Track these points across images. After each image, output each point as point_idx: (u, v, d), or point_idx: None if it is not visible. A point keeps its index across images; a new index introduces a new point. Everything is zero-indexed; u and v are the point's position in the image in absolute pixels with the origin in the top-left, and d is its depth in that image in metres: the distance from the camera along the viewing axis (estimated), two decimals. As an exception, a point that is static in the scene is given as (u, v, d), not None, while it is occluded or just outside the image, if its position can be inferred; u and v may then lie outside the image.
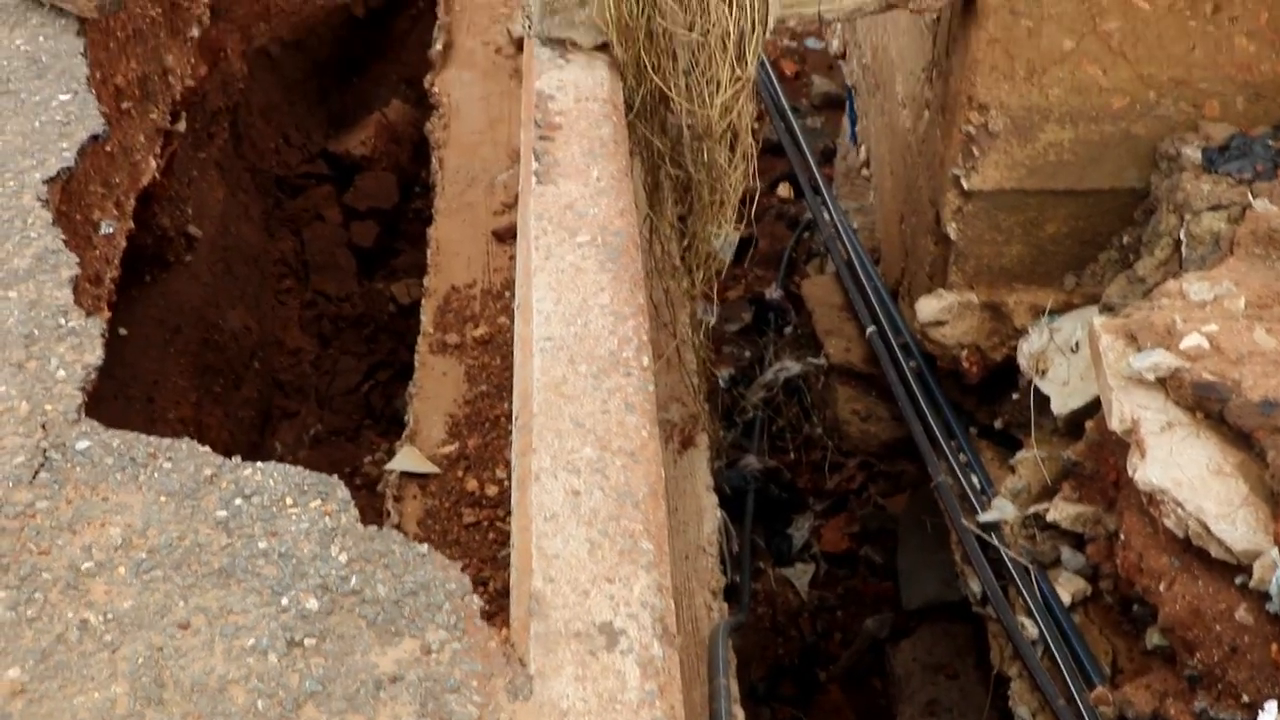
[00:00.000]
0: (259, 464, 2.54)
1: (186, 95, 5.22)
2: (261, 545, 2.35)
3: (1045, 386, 4.05)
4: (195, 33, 5.21)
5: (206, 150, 6.45)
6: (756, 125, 3.92)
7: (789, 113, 6.37)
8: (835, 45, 6.99)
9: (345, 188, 7.34)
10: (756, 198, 4.03)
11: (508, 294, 4.95)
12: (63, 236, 3.13)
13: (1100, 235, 4.16)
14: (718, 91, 3.63)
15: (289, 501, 2.44)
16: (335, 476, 2.53)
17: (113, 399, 4.93)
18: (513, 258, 4.64)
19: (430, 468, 4.30)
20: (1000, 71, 3.86)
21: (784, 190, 7.25)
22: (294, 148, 7.57)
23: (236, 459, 2.57)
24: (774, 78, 6.76)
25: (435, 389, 4.62)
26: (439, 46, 6.42)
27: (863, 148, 6.09)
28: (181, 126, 5.24)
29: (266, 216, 7.08)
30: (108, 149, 3.77)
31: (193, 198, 6.13)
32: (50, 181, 3.27)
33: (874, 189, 5.84)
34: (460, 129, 5.93)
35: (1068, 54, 3.82)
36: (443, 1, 6.85)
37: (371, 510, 4.33)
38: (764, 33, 3.61)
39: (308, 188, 7.34)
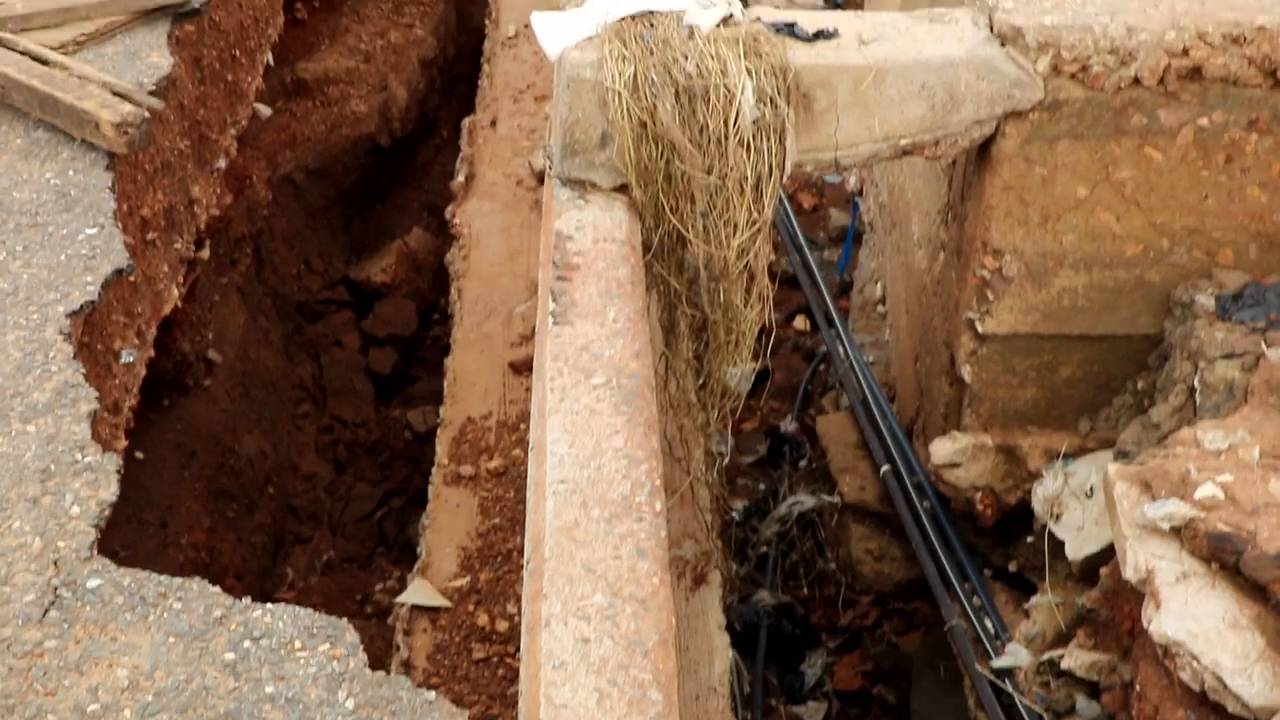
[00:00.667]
0: (268, 605, 2.54)
1: (211, 223, 5.30)
2: (269, 690, 2.34)
3: (1060, 531, 4.03)
4: (222, 164, 5.31)
5: (229, 275, 6.53)
6: (773, 257, 3.95)
7: (805, 247, 6.42)
8: (853, 182, 7.07)
9: (365, 314, 7.41)
10: (773, 332, 4.05)
11: (523, 426, 4.97)
12: (83, 370, 3.17)
13: (1115, 380, 4.16)
14: (735, 233, 3.68)
15: (298, 645, 2.43)
16: (344, 619, 2.52)
17: (126, 523, 4.94)
18: (529, 390, 4.67)
19: (441, 601, 4.28)
20: (1015, 217, 3.89)
21: (800, 323, 7.28)
22: (315, 273, 7.66)
23: (246, 600, 2.57)
24: (791, 211, 6.83)
25: (448, 521, 4.62)
26: (461, 178, 6.51)
27: (878, 284, 6.13)
28: (205, 254, 5.32)
29: (286, 341, 7.14)
30: (131, 280, 3.83)
31: (214, 322, 6.19)
32: (73, 315, 3.32)
33: (889, 326, 5.86)
34: (480, 260, 6.00)
35: (1081, 201, 3.85)
36: (466, 134, 6.97)
37: (381, 641, 4.32)
38: (781, 177, 3.67)
39: (328, 313, 7.41)
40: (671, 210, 3.66)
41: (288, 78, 8.11)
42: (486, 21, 8.60)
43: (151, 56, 4.57)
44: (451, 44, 9.57)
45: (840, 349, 5.58)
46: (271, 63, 6.33)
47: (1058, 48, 3.67)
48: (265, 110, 5.98)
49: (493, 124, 6.96)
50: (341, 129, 8.20)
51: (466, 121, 7.06)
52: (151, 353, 4.12)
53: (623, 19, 3.69)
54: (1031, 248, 3.94)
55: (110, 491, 2.80)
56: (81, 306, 3.34)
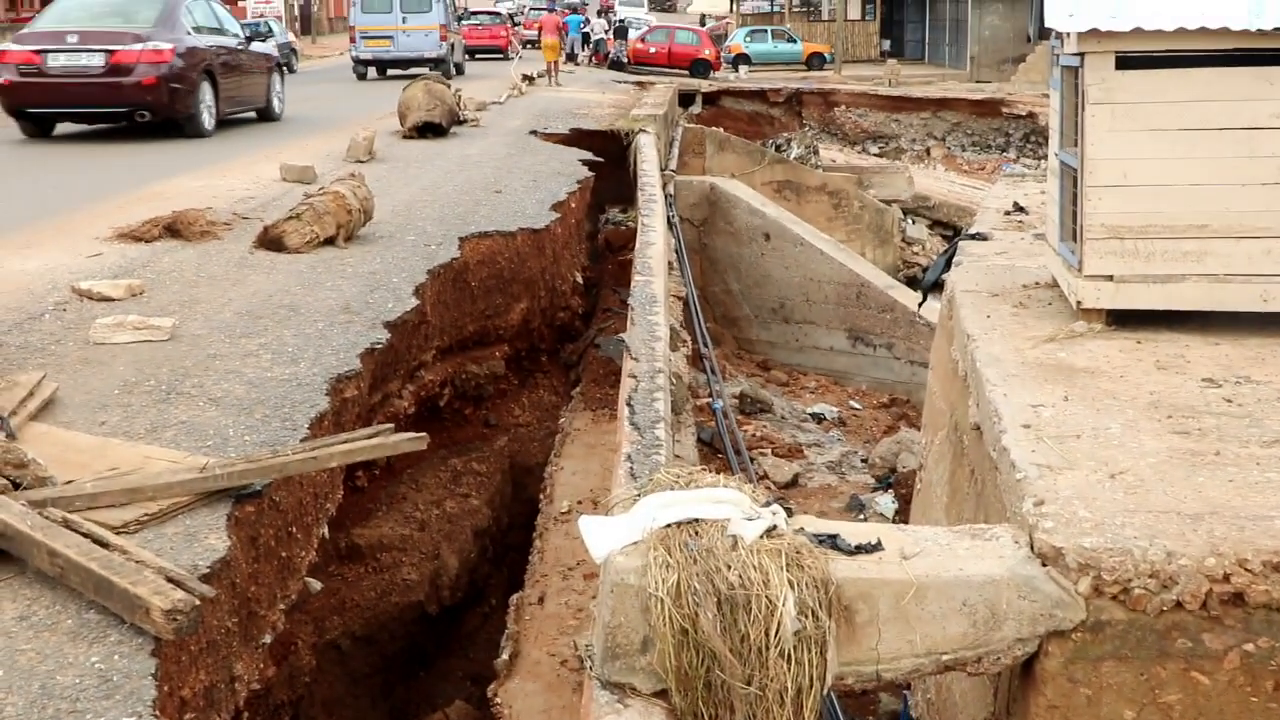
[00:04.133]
0: None
1: (251, 697, 5.27)
2: None
3: None
4: (268, 638, 5.33)
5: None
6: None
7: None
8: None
9: (400, 788, 7.24)
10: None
11: None
12: None
13: None
14: (774, 746, 3.62)
15: None
16: None
17: None
18: None
19: None
20: (1061, 736, 3.83)
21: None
22: (352, 750, 7.54)
23: None
24: (835, 696, 6.73)
25: None
26: (505, 656, 6.49)
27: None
28: (240, 730, 5.25)
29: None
30: (162, 770, 3.78)
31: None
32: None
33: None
34: (520, 749, 5.90)
35: (1129, 723, 3.79)
36: (514, 609, 7.00)
37: None
38: (821, 689, 3.65)
39: (362, 787, 7.25)
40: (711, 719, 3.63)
41: (342, 543, 8.27)
42: (541, 495, 8.81)
43: (209, 539, 4.68)
44: (506, 515, 9.78)
45: None
46: (326, 533, 6.45)
47: (1098, 570, 3.70)
48: (316, 585, 6.05)
49: (540, 600, 7.00)
50: (391, 596, 8.28)
51: (515, 597, 7.11)
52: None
53: (668, 526, 3.78)
54: (1080, 773, 3.84)
55: None
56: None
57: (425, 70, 25.80)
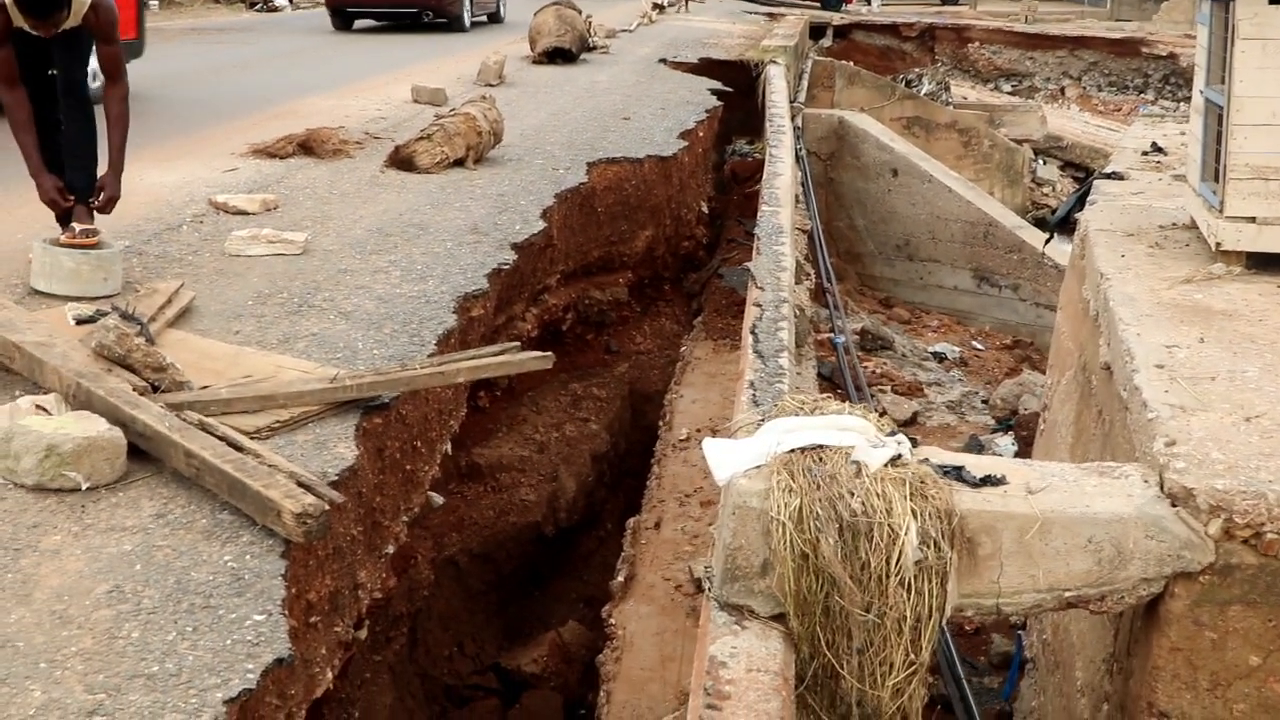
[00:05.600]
0: None
1: (373, 605, 5.39)
2: None
3: None
4: (391, 549, 5.44)
5: (383, 654, 6.58)
6: (932, 680, 3.85)
7: (963, 679, 6.26)
8: (1015, 611, 6.93)
9: (512, 702, 7.36)
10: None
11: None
12: (231, 759, 3.19)
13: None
14: (890, 673, 3.62)
15: None
16: None
17: None
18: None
19: None
20: (1182, 680, 3.77)
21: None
22: (467, 657, 7.68)
23: None
24: (949, 635, 6.70)
25: None
26: (621, 578, 6.56)
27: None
28: (363, 634, 5.38)
29: (429, 725, 7.11)
30: (290, 666, 3.89)
31: (361, 700, 6.20)
32: (230, 702, 3.36)
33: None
34: (631, 663, 5.97)
35: (1254, 670, 3.72)
36: (630, 533, 7.06)
37: None
38: (940, 619, 3.63)
39: (475, 699, 7.39)
40: (828, 645, 3.64)
41: (463, 462, 8.39)
42: (660, 422, 8.85)
43: (338, 447, 4.78)
44: (624, 440, 9.84)
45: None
46: (449, 450, 6.55)
47: (1230, 512, 3.63)
48: (438, 499, 6.16)
49: (656, 525, 7.05)
50: (509, 516, 8.40)
51: (631, 521, 7.17)
52: (299, 735, 4.14)
53: (792, 451, 3.77)
54: (1200, 713, 3.79)
55: None
56: (239, 694, 3.39)
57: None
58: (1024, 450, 9.97)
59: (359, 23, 24.95)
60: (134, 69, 15.24)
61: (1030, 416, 9.97)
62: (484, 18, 26.33)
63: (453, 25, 24.13)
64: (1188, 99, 6.86)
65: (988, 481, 3.76)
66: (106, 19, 6.39)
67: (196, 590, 3.83)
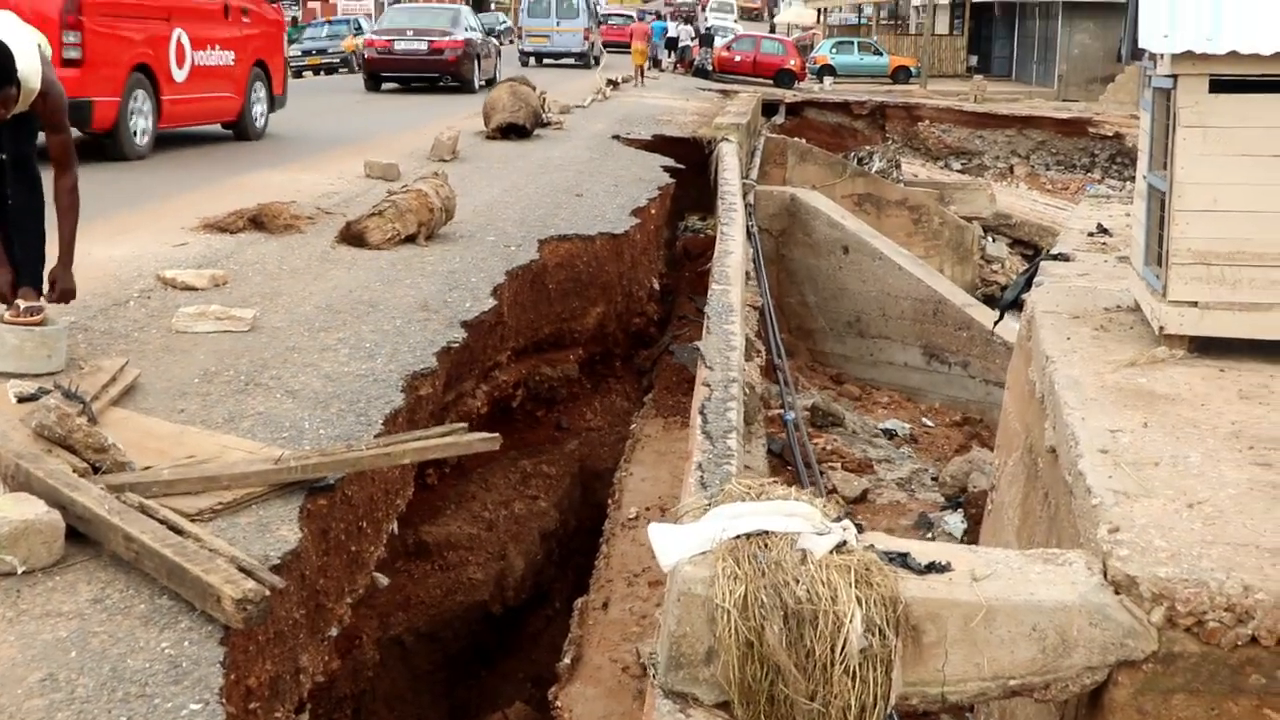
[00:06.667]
0: None
1: (315, 689, 5.31)
2: None
3: None
4: (334, 631, 5.37)
5: (327, 738, 6.48)
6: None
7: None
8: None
9: (458, 786, 7.26)
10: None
11: None
12: None
13: None
14: (836, 763, 3.60)
15: None
16: None
17: None
18: None
19: None
20: (1129, 768, 3.77)
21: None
22: (413, 739, 7.58)
23: None
24: None
25: None
26: (568, 660, 6.50)
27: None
28: (305, 719, 5.29)
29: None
30: (225, 757, 3.82)
31: (305, 786, 6.09)
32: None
33: None
34: (578, 748, 5.90)
35: (1201, 756, 3.73)
36: (578, 613, 7.00)
37: None
38: (885, 707, 3.62)
39: (421, 786, 7.28)
40: (773, 734, 3.61)
41: (410, 540, 8.32)
42: (609, 500, 8.82)
43: (282, 529, 4.73)
44: (573, 518, 9.79)
45: None
46: (395, 530, 6.49)
47: (1173, 600, 3.65)
48: (383, 580, 6.10)
49: (604, 606, 7.00)
50: (456, 595, 8.32)
51: (579, 602, 7.12)
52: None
53: (738, 537, 3.76)
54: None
55: None
56: (175, 787, 3.33)
57: (573, 61, 40.57)
58: (973, 528, 10.00)
59: (384, 84, 29.68)
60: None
61: (980, 494, 10.01)
62: (484, 81, 29.46)
63: (464, 87, 28.36)
64: (1133, 178, 6.96)
65: (932, 568, 3.77)
66: (55, 105, 6.23)
67: (132, 678, 3.76)
